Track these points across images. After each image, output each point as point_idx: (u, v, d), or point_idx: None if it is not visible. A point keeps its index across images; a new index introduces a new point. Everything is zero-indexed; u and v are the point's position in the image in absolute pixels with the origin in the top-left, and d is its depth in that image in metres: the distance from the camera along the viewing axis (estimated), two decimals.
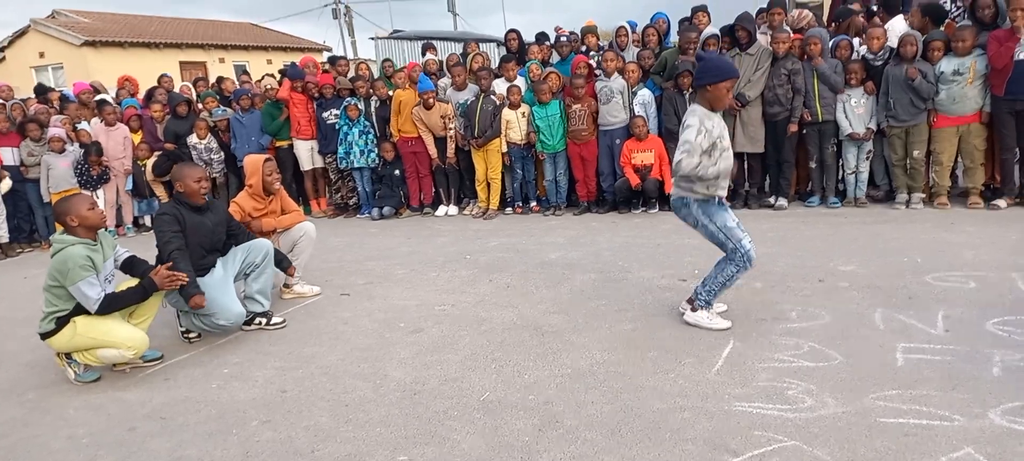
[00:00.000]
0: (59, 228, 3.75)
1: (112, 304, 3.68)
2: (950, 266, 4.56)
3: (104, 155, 8.23)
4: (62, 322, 3.65)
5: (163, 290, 3.92)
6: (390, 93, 8.19)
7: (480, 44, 9.36)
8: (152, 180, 8.47)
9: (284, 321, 4.57)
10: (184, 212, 4.20)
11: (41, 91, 9.79)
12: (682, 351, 3.56)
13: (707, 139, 3.54)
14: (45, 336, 3.70)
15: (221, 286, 4.29)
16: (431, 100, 7.69)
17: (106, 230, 3.95)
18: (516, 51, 8.33)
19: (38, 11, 22.55)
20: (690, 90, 6.89)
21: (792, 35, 6.80)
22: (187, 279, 3.92)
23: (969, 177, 6.28)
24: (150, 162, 8.46)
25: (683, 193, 3.75)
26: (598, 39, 8.10)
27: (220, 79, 9.91)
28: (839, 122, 6.57)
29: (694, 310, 3.85)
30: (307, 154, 8.60)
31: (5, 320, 5.28)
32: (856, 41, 6.75)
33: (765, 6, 7.31)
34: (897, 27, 6.60)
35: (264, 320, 4.49)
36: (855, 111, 6.49)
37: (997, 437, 2.54)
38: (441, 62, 8.74)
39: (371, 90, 8.33)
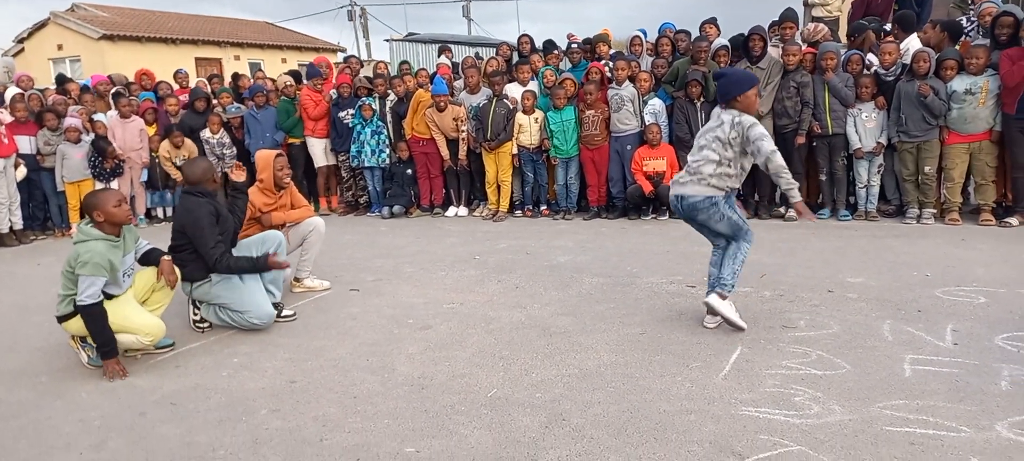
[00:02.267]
0: (74, 219, 3.78)
1: (95, 316, 3.59)
2: (960, 281, 4.55)
3: (120, 147, 8.29)
4: None
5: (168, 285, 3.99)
6: (410, 89, 8.24)
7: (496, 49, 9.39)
8: (173, 139, 8.56)
9: (295, 314, 4.61)
10: (215, 204, 4.28)
11: (62, 82, 9.89)
12: (689, 355, 3.57)
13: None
14: (62, 319, 3.74)
15: (254, 285, 4.40)
16: (443, 103, 7.74)
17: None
18: (529, 55, 8.36)
19: (58, 4, 22.71)
20: (701, 100, 6.93)
21: (803, 48, 6.82)
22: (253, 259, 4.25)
23: (981, 194, 6.27)
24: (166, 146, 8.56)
25: (711, 192, 3.79)
26: (610, 47, 8.12)
27: (236, 76, 10.00)
28: (849, 136, 6.58)
29: (723, 298, 3.82)
30: (321, 151, 8.67)
31: (19, 307, 5.33)
32: (869, 57, 6.76)
33: (777, 19, 7.33)
34: (913, 45, 6.59)
35: (276, 312, 4.53)
36: (866, 125, 6.49)
37: (1004, 449, 2.54)
38: (456, 65, 8.80)
39: (389, 88, 8.40)
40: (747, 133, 3.66)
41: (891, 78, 6.45)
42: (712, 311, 3.88)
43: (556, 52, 8.41)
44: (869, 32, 7.02)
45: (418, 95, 8.07)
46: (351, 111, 8.30)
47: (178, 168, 8.47)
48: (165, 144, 8.54)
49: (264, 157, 5.13)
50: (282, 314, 4.56)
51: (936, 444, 2.59)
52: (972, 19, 6.75)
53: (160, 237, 6.56)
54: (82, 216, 3.73)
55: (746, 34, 6.96)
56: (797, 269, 5.07)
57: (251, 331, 4.34)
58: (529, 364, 3.59)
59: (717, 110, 3.89)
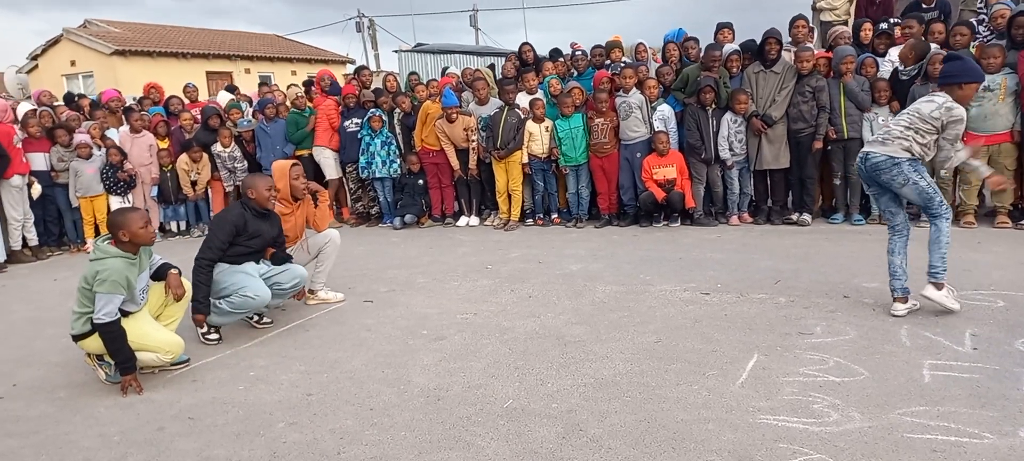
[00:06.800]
0: (89, 234, 3.78)
1: (113, 334, 3.59)
2: (978, 285, 4.51)
3: (129, 163, 8.34)
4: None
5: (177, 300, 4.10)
6: (415, 104, 8.30)
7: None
8: (192, 154, 8.59)
9: (272, 321, 4.81)
10: (248, 216, 4.49)
11: (70, 100, 9.99)
12: (705, 363, 3.56)
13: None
14: (78, 337, 3.75)
15: (251, 270, 4.53)
16: (454, 115, 7.76)
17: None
18: (532, 63, 8.37)
19: (71, 21, 22.95)
20: (713, 106, 6.91)
21: (815, 53, 6.80)
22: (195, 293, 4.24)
23: (998, 197, 6.20)
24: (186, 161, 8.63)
25: (894, 153, 3.93)
26: (623, 53, 8.12)
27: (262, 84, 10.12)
28: (865, 140, 6.53)
29: (939, 288, 3.97)
30: (333, 162, 8.71)
31: (35, 321, 5.38)
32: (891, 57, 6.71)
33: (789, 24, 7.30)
34: (891, 55, 6.57)
35: (258, 318, 4.79)
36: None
37: None
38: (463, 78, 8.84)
39: (394, 103, 8.43)
40: (949, 118, 3.82)
41: (906, 77, 6.40)
42: (902, 299, 4.04)
43: (562, 59, 8.41)
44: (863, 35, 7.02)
45: (426, 106, 8.09)
46: (357, 120, 8.34)
47: (192, 183, 8.60)
48: (184, 158, 8.61)
49: (280, 167, 5.13)
50: (261, 321, 4.79)
51: (958, 451, 2.56)
52: (982, 19, 6.70)
53: (174, 252, 6.62)
54: (97, 233, 3.76)
55: (760, 40, 6.95)
56: (812, 274, 5.04)
57: (263, 342, 4.36)
58: (544, 374, 3.58)
59: (932, 91, 4.01)
